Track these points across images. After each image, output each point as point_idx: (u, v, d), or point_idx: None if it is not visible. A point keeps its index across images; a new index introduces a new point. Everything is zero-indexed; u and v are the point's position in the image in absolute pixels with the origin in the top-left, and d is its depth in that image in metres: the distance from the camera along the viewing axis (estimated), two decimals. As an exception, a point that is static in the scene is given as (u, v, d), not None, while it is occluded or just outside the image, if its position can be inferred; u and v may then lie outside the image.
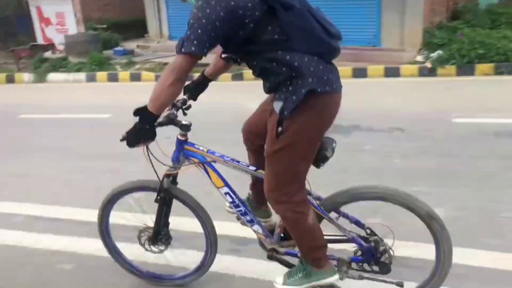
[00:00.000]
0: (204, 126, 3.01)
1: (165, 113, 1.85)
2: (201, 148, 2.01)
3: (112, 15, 13.73)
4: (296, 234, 1.88)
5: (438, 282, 1.97)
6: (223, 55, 1.96)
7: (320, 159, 1.83)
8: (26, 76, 10.68)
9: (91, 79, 10.01)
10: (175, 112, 1.94)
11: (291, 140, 1.68)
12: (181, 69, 1.58)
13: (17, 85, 10.64)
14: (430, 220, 1.85)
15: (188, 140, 2.01)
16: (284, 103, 1.63)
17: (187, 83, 1.92)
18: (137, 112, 1.70)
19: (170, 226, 2.22)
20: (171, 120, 1.90)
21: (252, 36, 1.58)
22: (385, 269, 1.97)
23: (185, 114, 2.05)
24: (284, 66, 1.60)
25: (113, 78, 9.82)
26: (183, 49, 1.55)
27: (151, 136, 1.75)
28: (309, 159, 1.78)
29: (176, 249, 2.35)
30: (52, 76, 10.47)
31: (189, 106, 2.07)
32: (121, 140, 1.76)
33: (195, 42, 1.53)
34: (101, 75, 9.94)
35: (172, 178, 2.07)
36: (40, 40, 13.77)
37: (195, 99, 2.12)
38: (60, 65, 10.65)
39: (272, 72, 1.64)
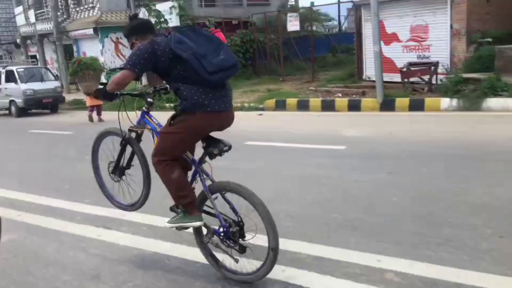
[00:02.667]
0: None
1: (143, 89, 3.30)
2: (154, 120, 2.87)
3: (492, 26, 10.89)
4: (165, 183, 2.68)
5: (270, 262, 2.51)
6: None
7: (208, 154, 2.65)
8: (445, 102, 8.44)
9: None
10: (149, 91, 2.98)
11: (173, 130, 2.61)
12: (121, 78, 2.59)
13: (427, 113, 8.48)
14: (261, 211, 2.47)
15: (150, 113, 2.90)
16: (178, 111, 2.61)
17: None
18: (102, 83, 2.85)
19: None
20: (142, 95, 2.93)
21: (167, 71, 2.53)
22: (242, 249, 2.62)
23: (160, 96, 3.40)
24: (180, 91, 2.54)
25: None
26: (128, 66, 2.53)
27: (108, 97, 2.80)
28: (180, 146, 2.66)
29: (131, 189, 3.19)
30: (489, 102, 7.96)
31: (168, 92, 2.99)
32: (93, 95, 2.91)
33: (130, 63, 2.52)
34: None
35: (138, 136, 2.99)
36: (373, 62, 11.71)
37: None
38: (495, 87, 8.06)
39: (176, 94, 2.61)
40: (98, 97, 2.82)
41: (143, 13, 14.78)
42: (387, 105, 9.23)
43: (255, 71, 16.93)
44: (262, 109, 11.04)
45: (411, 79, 10.23)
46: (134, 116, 2.92)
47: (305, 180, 4.58)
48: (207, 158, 2.69)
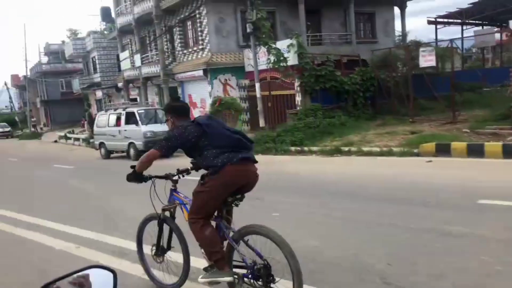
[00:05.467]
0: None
1: (168, 172, 3.44)
2: (181, 195, 3.36)
3: None
4: (198, 240, 3.03)
5: None
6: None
7: (226, 204, 3.07)
8: None
9: None
10: (173, 173, 3.39)
11: (204, 188, 3.00)
12: (148, 157, 3.11)
13: None
14: (287, 253, 2.69)
15: (177, 189, 3.39)
16: (207, 172, 3.07)
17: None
18: (132, 166, 3.23)
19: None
20: (167, 176, 3.38)
21: (194, 147, 3.06)
22: None
23: (182, 176, 3.44)
24: (205, 159, 3.02)
25: None
26: (157, 147, 3.08)
27: (138, 180, 3.25)
28: (212, 202, 3.03)
29: (171, 275, 3.47)
30: None
31: (189, 173, 3.43)
32: (127, 179, 3.28)
33: (159, 145, 3.07)
34: None
35: (171, 214, 3.41)
36: None
37: (197, 170, 3.37)
38: None
39: (204, 161, 3.06)
40: (130, 180, 3.24)
41: (263, 52, 14.14)
42: None
43: (376, 111, 15.52)
44: (418, 154, 9.54)
45: None
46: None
47: None
48: (224, 212, 3.08)
